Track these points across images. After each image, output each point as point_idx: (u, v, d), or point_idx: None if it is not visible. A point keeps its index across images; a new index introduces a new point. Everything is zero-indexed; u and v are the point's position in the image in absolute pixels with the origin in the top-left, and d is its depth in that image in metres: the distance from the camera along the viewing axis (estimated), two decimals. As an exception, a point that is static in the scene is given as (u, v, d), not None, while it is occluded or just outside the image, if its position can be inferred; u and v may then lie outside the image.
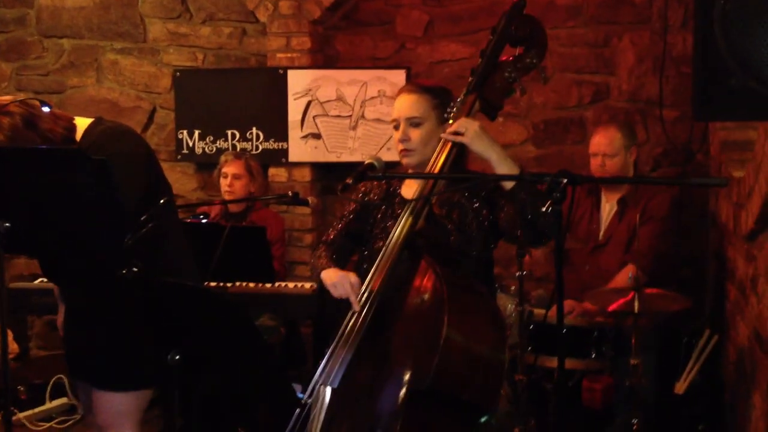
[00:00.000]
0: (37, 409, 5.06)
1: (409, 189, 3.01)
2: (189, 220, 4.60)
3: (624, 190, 4.55)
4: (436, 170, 2.84)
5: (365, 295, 2.76)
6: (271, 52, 5.55)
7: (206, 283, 4.23)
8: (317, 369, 2.76)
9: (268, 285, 4.57)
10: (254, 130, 5.54)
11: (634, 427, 3.84)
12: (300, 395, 2.64)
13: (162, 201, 3.00)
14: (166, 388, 2.52)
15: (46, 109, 3.22)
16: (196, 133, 5.61)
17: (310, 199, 4.53)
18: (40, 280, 4.63)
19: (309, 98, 5.47)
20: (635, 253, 4.28)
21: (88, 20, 5.97)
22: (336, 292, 2.84)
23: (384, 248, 2.81)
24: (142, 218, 2.85)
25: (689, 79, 4.88)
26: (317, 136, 5.50)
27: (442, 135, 2.87)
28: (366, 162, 2.90)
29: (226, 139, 5.58)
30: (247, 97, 5.54)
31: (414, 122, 2.94)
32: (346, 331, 2.73)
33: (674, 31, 5.26)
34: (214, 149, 5.57)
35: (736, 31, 2.77)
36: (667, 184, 4.96)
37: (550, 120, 5.53)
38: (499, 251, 5.48)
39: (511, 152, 5.47)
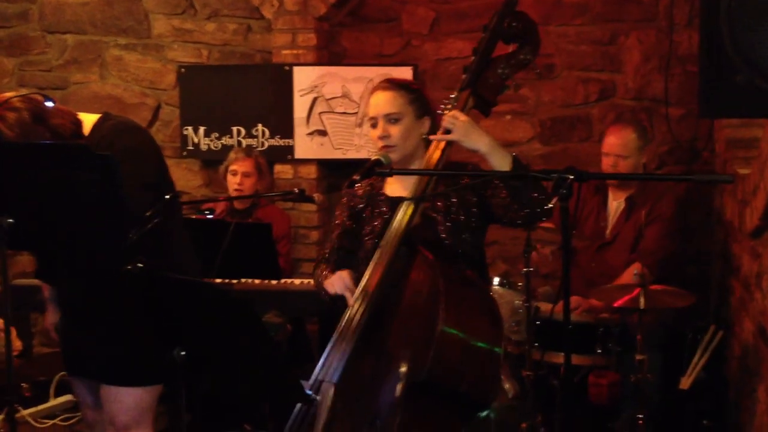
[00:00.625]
0: (41, 407, 5.04)
1: (393, 187, 3.04)
2: (195, 216, 4.59)
3: (632, 189, 4.54)
4: (431, 168, 2.86)
5: (362, 291, 2.78)
6: (276, 49, 5.54)
7: (211, 279, 4.23)
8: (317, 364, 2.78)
9: (274, 282, 4.57)
10: (260, 126, 5.54)
11: (640, 423, 3.86)
12: (309, 392, 2.65)
13: (168, 197, 3.00)
14: (173, 384, 2.53)
15: (50, 104, 3.21)
16: (201, 129, 5.61)
17: (315, 196, 4.54)
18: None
19: (315, 95, 5.47)
20: (641, 252, 4.29)
21: (91, 15, 5.96)
22: (331, 290, 2.88)
23: (381, 245, 2.82)
24: (147, 214, 2.87)
25: (695, 78, 4.85)
26: (323, 133, 5.50)
27: (431, 137, 2.88)
28: (373, 158, 2.91)
29: (232, 136, 5.57)
30: (253, 93, 5.53)
31: (392, 118, 2.95)
32: (344, 327, 2.74)
33: (680, 29, 5.27)
34: (220, 146, 5.57)
35: (741, 29, 2.77)
36: (674, 180, 4.97)
37: (557, 118, 5.53)
38: (506, 248, 5.55)
39: (518, 150, 5.54)
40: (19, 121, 2.92)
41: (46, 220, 2.82)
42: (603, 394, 4.11)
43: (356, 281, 2.84)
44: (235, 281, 4.55)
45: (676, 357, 4.26)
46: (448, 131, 2.81)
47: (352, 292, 2.80)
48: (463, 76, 2.94)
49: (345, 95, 5.45)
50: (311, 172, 5.54)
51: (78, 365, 3.33)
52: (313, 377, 2.74)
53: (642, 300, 3.78)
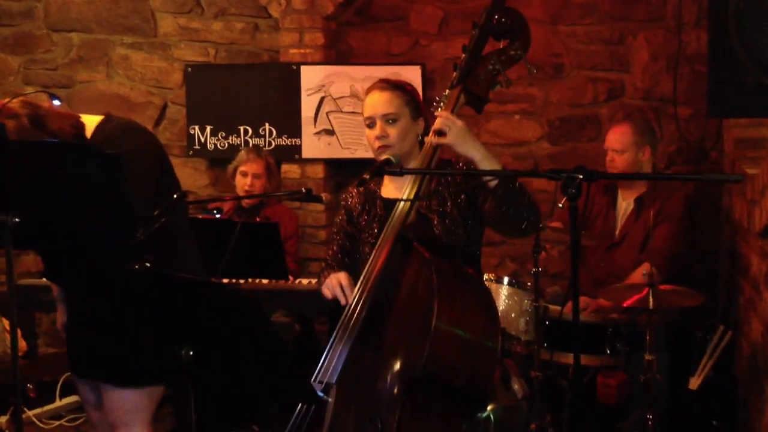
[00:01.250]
0: (46, 407, 5.04)
1: (388, 188, 3.07)
2: (201, 216, 4.58)
3: (641, 189, 4.54)
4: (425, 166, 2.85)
5: (360, 289, 2.79)
6: (283, 48, 5.53)
7: (219, 279, 4.22)
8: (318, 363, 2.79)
9: (282, 281, 4.56)
10: (267, 126, 5.53)
11: (649, 423, 3.86)
12: (320, 394, 2.65)
13: (175, 196, 3.00)
14: (181, 384, 2.52)
15: (56, 102, 3.19)
16: (208, 128, 5.60)
17: (323, 195, 4.52)
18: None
19: (322, 94, 5.46)
20: (650, 252, 4.27)
21: (97, 14, 5.95)
22: (329, 293, 2.90)
23: (378, 244, 2.83)
24: (154, 213, 2.86)
25: (703, 77, 4.87)
26: (330, 132, 5.49)
27: (427, 139, 2.88)
28: (382, 157, 2.90)
29: (239, 135, 5.56)
30: (260, 93, 5.52)
31: (390, 119, 2.97)
32: (343, 326, 2.76)
33: (688, 29, 5.27)
34: (226, 145, 5.56)
35: (750, 29, 2.77)
36: (683, 180, 4.95)
37: (565, 117, 5.52)
38: (515, 248, 5.55)
39: (526, 149, 5.56)
40: (18, 129, 2.90)
41: (52, 219, 2.81)
42: (611, 394, 4.09)
43: (355, 283, 2.85)
44: (242, 281, 4.55)
45: (684, 357, 4.25)
46: (442, 133, 2.80)
47: (348, 293, 2.82)
48: (454, 74, 2.93)
49: (353, 94, 5.44)
50: (318, 171, 5.53)
51: (80, 364, 3.33)
52: (314, 377, 2.74)
53: (651, 300, 3.77)
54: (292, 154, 5.50)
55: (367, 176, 2.81)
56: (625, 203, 4.61)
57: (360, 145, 5.46)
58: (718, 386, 4.20)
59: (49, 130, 2.96)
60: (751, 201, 3.90)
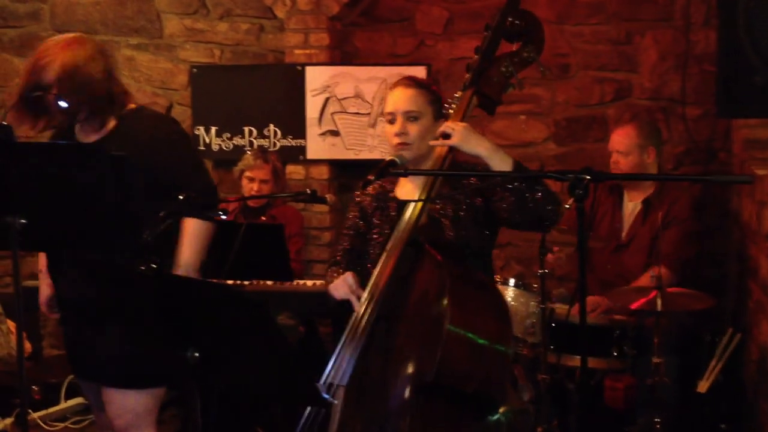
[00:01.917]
0: (51, 409, 5.03)
1: (403, 189, 3.02)
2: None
3: (648, 191, 4.52)
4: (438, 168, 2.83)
5: (369, 292, 2.76)
6: (288, 49, 5.51)
7: (223, 280, 4.20)
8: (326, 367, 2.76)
9: (287, 283, 4.54)
10: (272, 127, 5.51)
11: (657, 427, 3.83)
12: (326, 396, 2.63)
13: (181, 197, 2.99)
14: (186, 386, 2.51)
15: (63, 104, 3.21)
16: (213, 129, 5.58)
17: (328, 196, 4.46)
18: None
19: (327, 95, 5.44)
20: (659, 256, 4.24)
21: (103, 15, 5.94)
22: (337, 294, 2.87)
23: (388, 246, 2.80)
24: (160, 214, 2.86)
25: (712, 77, 4.84)
26: (335, 133, 5.47)
27: (431, 142, 2.85)
28: (387, 158, 2.88)
29: (244, 136, 5.55)
30: (265, 93, 5.50)
31: (412, 116, 2.93)
32: (352, 329, 2.73)
33: (697, 28, 5.24)
34: (232, 146, 5.55)
35: (759, 28, 2.75)
36: (691, 180, 4.94)
37: (572, 118, 5.49)
38: (521, 250, 5.52)
39: (532, 150, 5.53)
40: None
41: (58, 220, 2.81)
42: (619, 397, 4.07)
43: (363, 283, 2.82)
44: (247, 282, 4.53)
45: (693, 360, 4.23)
46: (446, 135, 2.78)
47: (357, 295, 2.79)
48: (467, 75, 2.91)
49: (358, 95, 5.42)
50: (323, 172, 5.51)
51: (81, 367, 3.31)
52: (323, 379, 2.72)
53: (659, 302, 3.75)
54: (297, 155, 5.48)
55: (371, 177, 2.79)
56: (632, 204, 4.58)
57: (364, 146, 5.44)
58: (727, 389, 4.17)
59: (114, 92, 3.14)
60: (761, 202, 3.87)
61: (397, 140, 2.93)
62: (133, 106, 3.21)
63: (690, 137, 5.26)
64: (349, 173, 5.60)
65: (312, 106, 5.45)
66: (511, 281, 4.27)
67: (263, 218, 4.91)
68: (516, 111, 5.48)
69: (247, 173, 4.94)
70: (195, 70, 5.66)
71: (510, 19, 2.90)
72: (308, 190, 4.16)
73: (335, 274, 3.02)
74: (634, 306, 3.85)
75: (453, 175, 2.94)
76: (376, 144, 5.42)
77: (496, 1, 5.33)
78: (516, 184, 2.71)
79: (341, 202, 5.63)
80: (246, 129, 5.54)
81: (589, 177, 2.32)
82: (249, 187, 4.94)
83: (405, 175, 2.92)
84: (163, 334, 2.55)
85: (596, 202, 4.58)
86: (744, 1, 2.79)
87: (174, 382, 3.28)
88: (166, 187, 3.09)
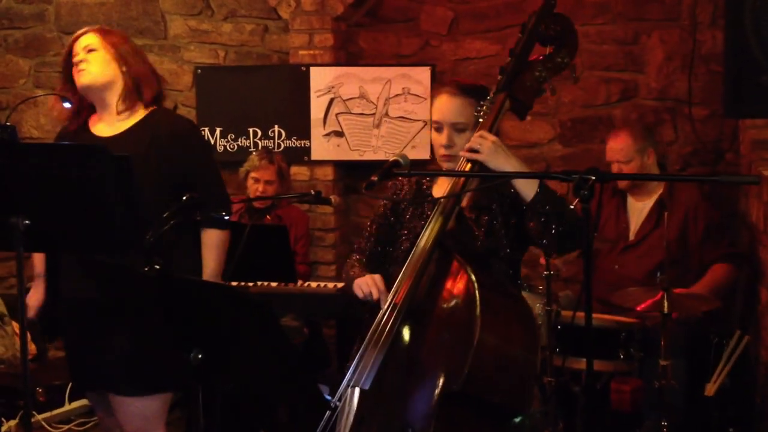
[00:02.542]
0: (55, 411, 5.03)
1: (441, 189, 2.94)
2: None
3: (657, 191, 4.50)
4: (461, 179, 2.76)
5: (394, 295, 2.70)
6: (293, 49, 5.50)
7: (227, 282, 4.19)
8: (347, 371, 2.71)
9: (291, 285, 4.52)
10: (276, 128, 5.50)
11: (664, 430, 3.81)
12: (328, 397, 2.60)
13: (185, 198, 2.98)
14: (190, 388, 2.49)
15: (67, 105, 3.23)
16: (218, 130, 5.57)
17: (332, 198, 4.47)
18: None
19: (332, 96, 5.43)
20: (714, 258, 4.26)
21: (108, 16, 5.93)
22: (361, 294, 2.81)
23: (414, 249, 2.74)
24: (164, 215, 2.86)
25: (719, 77, 4.81)
26: (340, 134, 5.45)
27: (460, 153, 2.80)
28: (391, 159, 2.84)
29: (248, 137, 5.54)
30: (269, 94, 5.50)
31: (460, 128, 2.86)
32: (377, 333, 2.66)
33: (703, 28, 5.21)
34: (236, 147, 5.54)
35: (767, 28, 2.72)
36: (698, 181, 4.91)
37: (578, 118, 5.47)
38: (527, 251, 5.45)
39: (538, 151, 5.50)
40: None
41: (62, 220, 2.80)
42: (625, 400, 4.03)
43: (389, 284, 2.77)
44: (251, 284, 4.51)
45: (700, 363, 4.19)
46: (475, 150, 2.71)
47: (383, 298, 2.73)
48: (499, 77, 2.85)
49: (362, 96, 5.41)
50: (328, 173, 5.50)
51: (86, 378, 3.30)
52: (343, 384, 2.67)
53: (666, 304, 3.72)
54: (301, 156, 5.47)
55: (375, 178, 2.76)
56: (640, 204, 4.56)
57: (369, 147, 5.43)
58: (735, 392, 4.14)
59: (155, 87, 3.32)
60: (768, 203, 3.85)
61: (443, 152, 2.87)
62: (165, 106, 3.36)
63: (697, 138, 5.23)
64: (353, 174, 5.59)
65: (316, 106, 5.44)
66: (517, 283, 4.25)
67: (268, 218, 4.89)
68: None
69: (252, 174, 4.94)
70: (199, 71, 5.66)
71: (546, 22, 2.86)
72: (313, 192, 4.18)
73: (356, 265, 2.99)
74: (640, 307, 3.83)
75: (454, 175, 2.87)
76: (380, 145, 5.41)
77: (502, 1, 5.42)
78: (539, 208, 2.65)
79: (346, 204, 5.62)
80: (250, 130, 5.54)
81: (594, 178, 2.30)
82: (254, 188, 4.94)
83: (408, 176, 2.89)
84: (167, 336, 2.53)
85: (600, 204, 4.56)
86: (751, 1, 2.78)
87: (181, 386, 3.27)
88: (177, 188, 3.09)
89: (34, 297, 3.43)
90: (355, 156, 5.46)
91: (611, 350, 4.07)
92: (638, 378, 4.09)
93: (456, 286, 2.63)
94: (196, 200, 3.05)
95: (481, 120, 2.79)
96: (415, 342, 2.65)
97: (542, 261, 4.08)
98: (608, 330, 4.10)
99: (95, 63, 3.22)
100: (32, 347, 5.36)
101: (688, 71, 5.19)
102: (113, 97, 3.25)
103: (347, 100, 5.42)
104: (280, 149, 5.42)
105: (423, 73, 5.36)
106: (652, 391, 3.87)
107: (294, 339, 4.57)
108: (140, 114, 3.26)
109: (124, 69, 3.25)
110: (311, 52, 5.45)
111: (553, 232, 2.65)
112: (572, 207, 2.69)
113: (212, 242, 3.31)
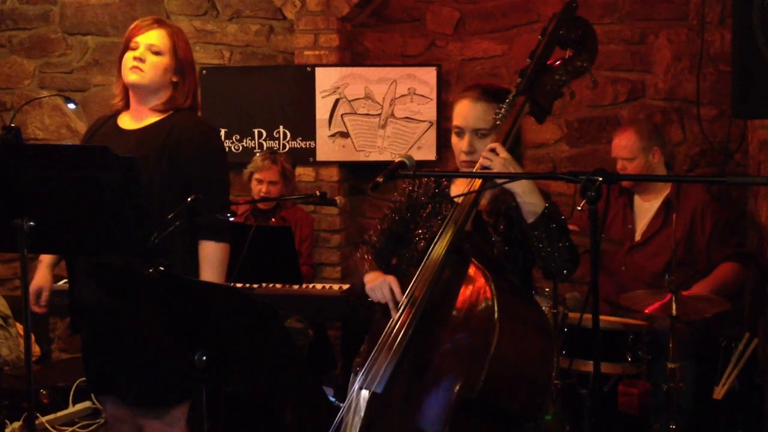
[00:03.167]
0: (59, 413, 5.02)
1: (459, 189, 2.90)
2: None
3: (665, 191, 4.47)
4: (476, 185, 2.72)
5: (408, 300, 2.68)
6: (298, 50, 5.49)
7: (232, 283, 4.17)
8: (353, 370, 2.70)
9: (296, 286, 4.50)
10: (281, 128, 5.49)
11: (672, 434, 3.77)
12: (332, 399, 2.58)
13: (189, 199, 2.96)
14: (194, 389, 2.48)
15: (71, 106, 3.24)
16: (223, 131, 5.55)
17: (338, 199, 4.45)
18: (63, 281, 4.57)
19: (337, 96, 5.41)
20: (722, 258, 4.23)
21: (113, 17, 5.93)
22: (374, 296, 2.78)
23: (429, 252, 2.71)
24: (169, 216, 2.85)
25: (727, 78, 4.79)
26: (345, 134, 5.43)
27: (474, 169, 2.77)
28: (397, 160, 2.82)
29: (253, 138, 5.53)
30: (275, 95, 5.49)
31: (481, 133, 2.84)
32: (390, 337, 2.63)
33: (711, 28, 5.18)
34: (241, 148, 5.52)
35: (775, 29, 2.70)
36: (706, 182, 4.89)
37: (585, 119, 5.44)
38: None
39: (544, 151, 5.47)
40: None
41: (67, 222, 2.79)
42: (633, 403, 4.01)
43: (404, 284, 2.73)
44: (255, 285, 4.49)
45: (709, 365, 4.16)
46: (486, 168, 2.68)
47: (397, 303, 2.70)
48: (518, 80, 2.82)
49: (368, 96, 5.39)
50: (333, 174, 5.48)
51: (109, 387, 3.30)
52: (354, 388, 2.66)
53: (674, 306, 3.69)
54: (307, 156, 5.46)
55: (380, 179, 2.73)
56: (647, 204, 4.53)
57: (375, 148, 5.41)
58: (744, 395, 4.12)
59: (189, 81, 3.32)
60: (778, 204, 3.82)
61: (464, 157, 2.85)
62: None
63: (705, 138, 5.20)
64: (359, 175, 5.57)
65: (322, 107, 5.43)
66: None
67: (273, 220, 4.88)
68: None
69: (256, 175, 4.94)
70: (204, 71, 5.63)
71: (567, 26, 2.83)
72: (318, 192, 4.15)
73: (368, 255, 2.97)
74: (648, 310, 3.80)
75: (455, 175, 2.91)
76: (386, 145, 5.39)
77: (508, 1, 5.40)
78: (537, 233, 2.64)
79: (351, 205, 5.59)
80: (255, 131, 5.53)
81: (601, 178, 2.28)
82: (258, 189, 4.94)
83: (414, 177, 2.86)
84: (173, 338, 2.52)
85: (608, 204, 4.54)
86: (759, 1, 2.75)
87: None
88: (185, 189, 3.07)
89: (37, 281, 3.41)
90: (360, 157, 5.44)
91: (619, 352, 4.06)
92: (646, 381, 4.07)
93: (473, 291, 2.59)
94: (200, 204, 3.03)
95: (498, 123, 2.77)
96: (428, 346, 2.61)
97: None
98: (616, 332, 4.08)
99: (154, 68, 3.20)
100: (36, 349, 5.36)
101: (696, 71, 5.17)
102: (154, 100, 3.25)
103: (353, 100, 5.41)
104: (286, 150, 5.41)
105: (429, 74, 5.34)
106: (660, 393, 3.86)
107: (299, 341, 4.55)
108: (166, 113, 3.26)
109: (176, 80, 3.24)
110: (316, 52, 5.44)
111: (542, 255, 2.66)
112: (569, 239, 2.68)
113: (209, 257, 3.19)
